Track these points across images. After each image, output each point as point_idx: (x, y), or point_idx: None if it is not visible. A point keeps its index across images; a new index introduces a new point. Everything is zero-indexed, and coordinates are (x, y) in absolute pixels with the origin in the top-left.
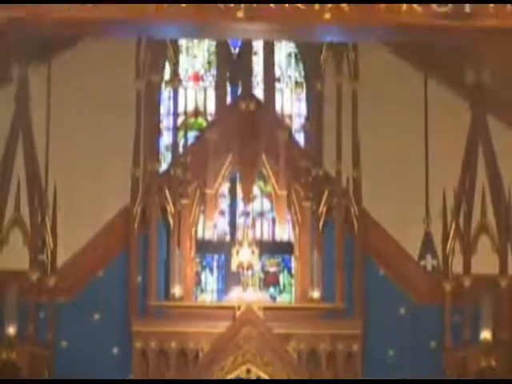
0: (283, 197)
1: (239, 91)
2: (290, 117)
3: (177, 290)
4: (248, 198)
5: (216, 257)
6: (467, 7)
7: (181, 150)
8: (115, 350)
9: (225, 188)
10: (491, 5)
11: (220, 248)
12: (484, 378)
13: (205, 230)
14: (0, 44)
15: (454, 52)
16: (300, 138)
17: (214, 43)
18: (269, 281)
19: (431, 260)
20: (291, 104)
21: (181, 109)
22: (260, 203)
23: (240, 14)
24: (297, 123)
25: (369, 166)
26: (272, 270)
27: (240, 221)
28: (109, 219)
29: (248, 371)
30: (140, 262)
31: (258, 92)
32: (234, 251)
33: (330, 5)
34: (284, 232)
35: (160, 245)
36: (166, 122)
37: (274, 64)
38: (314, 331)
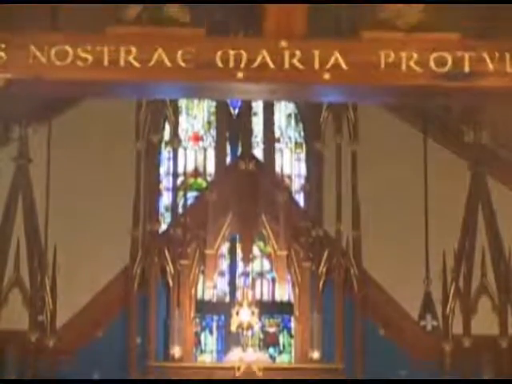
0: (283, 257)
1: (239, 151)
2: (290, 177)
3: (176, 351)
4: (248, 259)
5: (216, 317)
6: (466, 67)
7: (180, 210)
8: None
9: (224, 248)
10: (490, 65)
11: (220, 308)
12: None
13: (204, 291)
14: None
15: (454, 112)
16: (300, 199)
17: (213, 103)
18: (268, 341)
19: (431, 320)
20: (291, 164)
21: (180, 169)
22: (260, 263)
23: (240, 75)
24: (296, 183)
25: (369, 226)
26: (272, 330)
27: (240, 281)
28: (108, 280)
29: None
30: (139, 323)
31: (258, 152)
32: (233, 312)
33: (329, 65)
34: (284, 292)
35: (159, 305)
36: (166, 182)
37: (273, 124)
38: None
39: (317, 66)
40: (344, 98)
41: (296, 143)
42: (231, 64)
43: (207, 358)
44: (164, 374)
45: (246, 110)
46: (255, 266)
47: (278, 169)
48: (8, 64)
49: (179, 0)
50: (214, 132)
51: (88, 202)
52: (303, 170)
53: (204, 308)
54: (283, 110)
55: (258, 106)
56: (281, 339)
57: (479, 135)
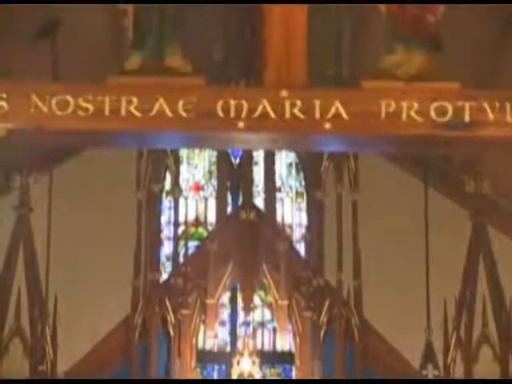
0: (284, 307)
1: (240, 201)
2: (291, 226)
3: None
4: (249, 308)
5: (217, 367)
6: (467, 117)
7: (181, 259)
8: None
9: (225, 298)
10: (491, 115)
11: (221, 358)
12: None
13: (205, 340)
14: (1, 153)
15: (454, 161)
16: (301, 248)
17: (214, 153)
18: None
19: (432, 370)
20: (292, 214)
21: (181, 218)
22: (261, 313)
23: (241, 124)
24: (297, 233)
25: (370, 276)
26: None
27: (241, 331)
28: (109, 329)
29: None
30: (140, 372)
31: (259, 202)
32: (234, 361)
33: (330, 115)
34: (285, 342)
35: (160, 355)
36: (167, 231)
37: (274, 174)
38: None
39: (317, 115)
40: (345, 147)
41: (297, 192)
42: (232, 114)
43: None
44: None
45: (247, 159)
46: (256, 315)
47: (278, 218)
48: (9, 114)
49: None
50: (214, 181)
51: (89, 251)
52: (304, 220)
53: (205, 358)
54: (284, 159)
55: (258, 156)
56: None
57: (480, 185)
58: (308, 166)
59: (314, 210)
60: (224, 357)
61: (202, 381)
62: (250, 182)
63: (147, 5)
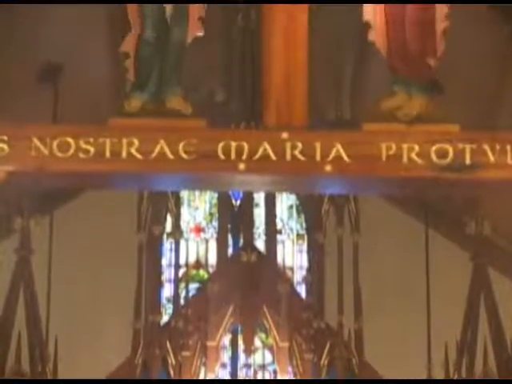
0: (285, 349)
1: (241, 243)
2: (292, 269)
3: None
4: (249, 350)
5: None
6: (468, 159)
7: (182, 301)
8: None
9: (226, 340)
10: (492, 157)
11: None
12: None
13: None
14: (1, 196)
15: (455, 203)
16: (302, 290)
17: (215, 195)
18: None
19: None
20: (293, 256)
21: (182, 261)
22: (261, 355)
23: (241, 166)
24: (298, 275)
25: (371, 318)
26: None
27: (241, 373)
28: (110, 371)
29: None
30: None
31: (260, 244)
32: None
33: (330, 157)
34: None
35: None
36: (168, 273)
37: (275, 216)
38: None
39: (318, 157)
40: (345, 189)
41: (298, 235)
42: (233, 155)
43: None
44: None
45: (248, 201)
46: (257, 357)
47: (279, 260)
48: (10, 156)
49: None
50: (215, 223)
51: (90, 293)
52: (305, 262)
53: None
54: (285, 201)
55: (259, 198)
56: None
57: (480, 226)
58: (309, 208)
59: (315, 252)
60: None
61: (202, 381)
62: (250, 223)
63: (148, 48)
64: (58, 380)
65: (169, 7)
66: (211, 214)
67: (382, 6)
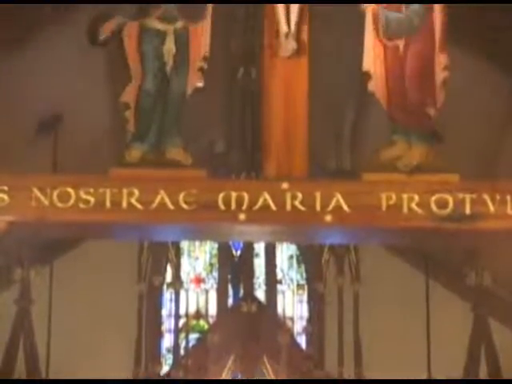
0: None
1: (241, 293)
2: (292, 319)
3: None
4: None
5: None
6: (468, 209)
7: (182, 352)
8: None
9: None
10: (492, 207)
11: None
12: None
13: None
14: (1, 246)
15: (455, 253)
16: (302, 340)
17: (215, 245)
18: None
19: None
20: (293, 306)
21: (182, 311)
22: None
23: (242, 217)
24: (298, 325)
25: (371, 367)
26: None
27: None
28: None
29: None
30: None
31: (260, 294)
32: None
33: (330, 207)
34: None
35: None
36: (168, 323)
37: (275, 266)
38: None
39: (318, 207)
40: (345, 239)
41: (298, 285)
42: (233, 206)
43: None
44: None
45: (248, 251)
46: None
47: (280, 310)
48: (10, 206)
49: None
50: (215, 274)
51: (90, 343)
52: (305, 312)
53: None
54: (285, 251)
55: (259, 248)
56: None
57: (481, 277)
58: (309, 258)
59: (315, 302)
60: None
61: (202, 381)
62: (250, 274)
63: (148, 98)
64: (58, 380)
65: (170, 61)
66: (211, 265)
67: (382, 56)
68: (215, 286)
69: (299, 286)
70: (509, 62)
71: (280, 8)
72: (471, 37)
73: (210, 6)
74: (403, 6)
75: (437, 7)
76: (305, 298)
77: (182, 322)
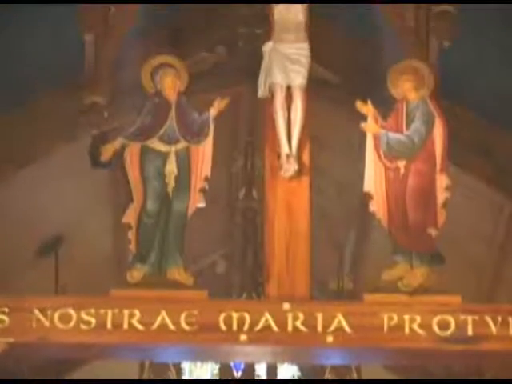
0: None
1: None
2: None
3: None
4: None
5: None
6: (469, 331)
7: None
8: None
9: None
10: (493, 328)
11: None
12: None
13: None
14: (2, 366)
15: (456, 371)
16: None
17: (217, 365)
18: None
19: None
20: None
21: None
22: None
23: (243, 337)
24: None
25: None
26: None
27: None
28: None
29: None
30: None
31: None
32: None
33: (332, 328)
34: None
35: None
36: None
37: None
38: None
39: (320, 328)
40: (347, 360)
41: None
42: (234, 326)
43: None
44: None
45: (249, 372)
46: None
47: None
48: (11, 327)
49: None
50: None
51: None
52: None
53: None
54: (286, 371)
55: (261, 368)
56: None
57: None
58: (310, 379)
59: None
60: None
61: (202, 381)
62: None
63: (150, 219)
64: (58, 380)
65: (172, 182)
66: None
67: (383, 177)
68: None
69: None
70: (508, 183)
71: (281, 129)
72: (471, 157)
73: (211, 126)
74: (404, 124)
75: (437, 124)
76: None
77: None
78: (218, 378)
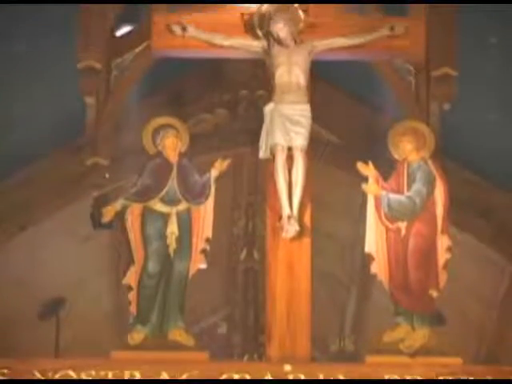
0: None
1: None
2: None
3: None
4: None
5: None
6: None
7: None
8: None
9: None
10: None
11: None
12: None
13: None
14: None
15: None
16: None
17: None
18: None
19: None
20: None
21: None
22: None
23: None
24: None
25: None
26: None
27: None
28: None
29: None
30: None
31: None
32: None
33: None
34: None
35: None
36: None
37: None
38: None
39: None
40: None
41: None
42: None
43: None
44: None
45: None
46: None
47: None
48: None
49: None
50: None
51: None
52: None
53: None
54: None
55: None
56: None
57: None
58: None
59: None
60: None
61: (202, 380)
62: None
63: (151, 281)
64: (58, 380)
65: (173, 244)
66: None
67: (384, 238)
68: None
69: None
70: (509, 244)
71: (282, 190)
72: (471, 218)
73: (212, 187)
74: (405, 185)
75: (438, 185)
76: None
77: None
78: None
